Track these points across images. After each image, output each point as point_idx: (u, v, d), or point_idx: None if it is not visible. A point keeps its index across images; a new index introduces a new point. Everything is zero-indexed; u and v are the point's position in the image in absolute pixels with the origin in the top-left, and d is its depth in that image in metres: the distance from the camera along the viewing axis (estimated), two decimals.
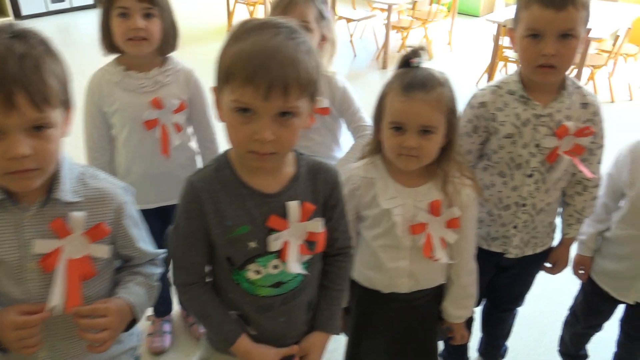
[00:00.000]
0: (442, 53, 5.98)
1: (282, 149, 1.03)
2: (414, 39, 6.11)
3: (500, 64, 4.88)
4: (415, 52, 1.29)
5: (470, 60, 5.76)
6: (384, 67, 5.48)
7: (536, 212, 1.58)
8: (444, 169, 1.33)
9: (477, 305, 1.92)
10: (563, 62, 1.37)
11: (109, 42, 1.67)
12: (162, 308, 2.24)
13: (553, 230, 1.71)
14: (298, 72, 0.96)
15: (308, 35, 1.66)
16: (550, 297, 2.38)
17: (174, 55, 1.79)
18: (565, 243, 1.71)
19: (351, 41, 5.98)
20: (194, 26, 7.08)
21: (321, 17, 1.73)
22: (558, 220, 1.70)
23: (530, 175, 1.52)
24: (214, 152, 1.90)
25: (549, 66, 1.37)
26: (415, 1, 5.22)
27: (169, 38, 1.70)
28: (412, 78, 1.25)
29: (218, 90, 1.04)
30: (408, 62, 1.29)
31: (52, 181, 1.04)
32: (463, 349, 2.06)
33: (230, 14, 6.74)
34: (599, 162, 1.59)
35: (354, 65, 5.71)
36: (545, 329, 2.34)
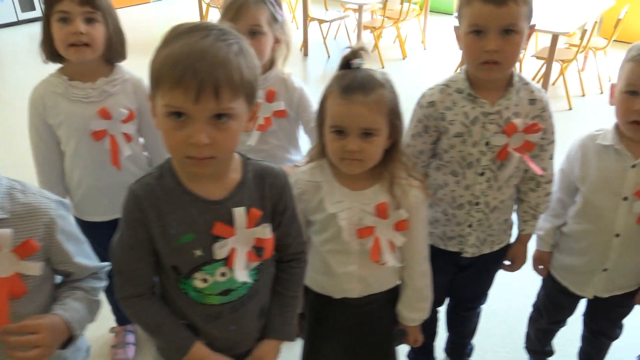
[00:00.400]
0: (416, 52, 5.99)
1: (220, 152, 1.01)
2: (387, 39, 6.13)
3: None
4: (356, 53, 1.26)
5: (444, 58, 5.77)
6: None
7: (490, 210, 1.57)
8: (390, 171, 1.32)
9: (441, 304, 1.92)
10: (506, 58, 1.37)
11: (50, 50, 1.61)
12: (124, 315, 2.19)
13: (510, 227, 1.70)
14: (229, 73, 0.94)
15: (261, 37, 1.69)
16: (519, 293, 2.38)
17: (125, 64, 1.75)
18: (522, 240, 1.71)
19: (324, 42, 5.96)
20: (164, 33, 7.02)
21: (274, 19, 1.71)
22: (515, 217, 1.70)
23: (481, 174, 1.52)
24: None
25: (493, 62, 1.37)
26: (386, 0, 5.21)
27: (114, 44, 1.65)
28: (351, 80, 1.23)
29: (152, 97, 1.01)
30: (348, 63, 1.27)
31: None
32: (429, 349, 2.06)
33: (203, 18, 6.69)
34: (550, 158, 1.59)
35: (328, 67, 5.69)
36: (515, 324, 2.34)
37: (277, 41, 1.74)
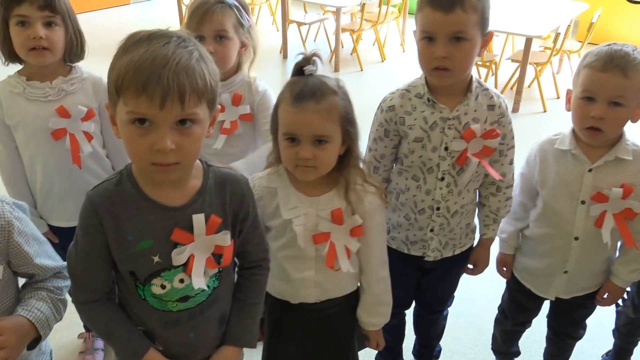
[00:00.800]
0: (395, 54, 6.02)
1: (185, 158, 1.02)
2: (367, 41, 6.15)
3: None
4: (308, 59, 1.27)
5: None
6: (336, 69, 5.48)
7: (451, 215, 1.59)
8: (345, 177, 1.32)
9: (407, 307, 1.93)
10: (456, 65, 1.38)
11: (9, 51, 1.61)
12: None
13: (472, 231, 1.72)
14: (193, 79, 0.96)
15: (227, 42, 1.69)
16: (488, 295, 2.40)
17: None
18: (484, 243, 1.73)
19: (304, 45, 5.97)
20: None
21: (240, 24, 1.72)
22: (477, 221, 1.72)
23: (442, 179, 1.53)
24: (124, 163, 1.86)
25: (443, 69, 1.38)
26: (365, 3, 5.23)
27: (73, 47, 1.66)
28: (303, 87, 1.23)
29: (111, 105, 1.01)
30: (301, 70, 1.27)
31: None
32: (397, 351, 2.07)
33: (182, 20, 6.66)
34: (510, 163, 1.61)
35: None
36: (485, 326, 2.36)
37: (243, 46, 1.75)
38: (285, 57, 5.89)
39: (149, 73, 0.92)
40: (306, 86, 1.24)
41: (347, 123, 1.28)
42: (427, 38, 1.38)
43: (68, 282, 1.26)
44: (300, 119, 1.22)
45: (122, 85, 0.94)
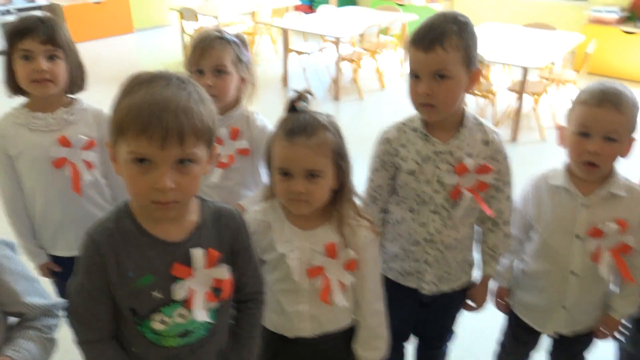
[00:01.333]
0: (395, 82, 6.09)
1: (184, 196, 1.05)
2: (367, 70, 6.22)
3: None
4: (300, 96, 1.30)
5: None
6: (337, 98, 5.54)
7: (445, 248, 1.59)
8: (339, 211, 1.33)
9: (406, 340, 1.91)
10: (441, 102, 1.41)
11: (13, 85, 1.68)
12: None
13: (470, 266, 1.71)
14: (192, 120, 0.99)
15: (226, 77, 1.72)
16: (493, 328, 2.38)
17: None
18: (482, 280, 1.72)
19: (304, 74, 6.04)
20: (147, 63, 7.08)
21: (239, 60, 1.75)
22: (477, 256, 1.71)
23: (435, 212, 1.54)
24: (124, 196, 1.87)
25: (429, 105, 1.42)
26: (363, 34, 5.32)
27: (75, 78, 1.72)
28: (295, 123, 1.26)
29: (112, 143, 1.04)
30: (294, 106, 1.30)
31: None
32: None
33: (185, 49, 6.76)
34: (508, 199, 1.61)
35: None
36: (483, 358, 2.34)
37: (242, 80, 1.78)
38: (285, 85, 5.96)
39: (150, 115, 0.96)
40: (298, 122, 1.27)
41: (339, 158, 1.30)
42: (414, 76, 1.42)
43: (57, 321, 1.26)
44: (293, 154, 1.25)
45: (123, 126, 0.98)
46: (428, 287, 1.64)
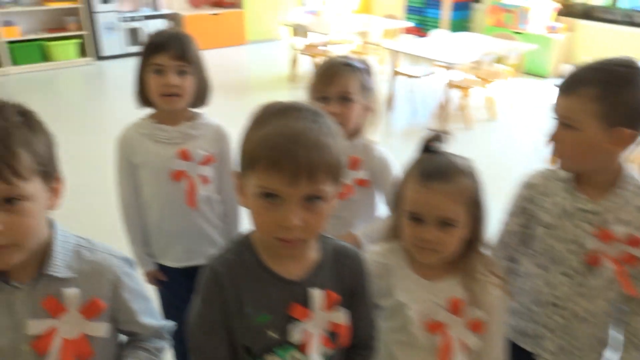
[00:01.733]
0: (505, 114, 5.81)
1: (310, 235, 1.00)
2: (475, 98, 5.99)
3: None
4: (437, 137, 1.21)
5: (534, 124, 5.55)
6: (443, 125, 5.37)
7: (573, 317, 1.40)
8: (468, 264, 1.22)
9: None
10: (564, 152, 1.33)
11: (143, 96, 1.74)
12: None
13: (602, 345, 1.47)
14: (324, 156, 0.94)
15: (351, 105, 1.67)
16: None
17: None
18: None
19: (410, 97, 5.93)
20: (256, 75, 7.31)
21: (364, 88, 1.70)
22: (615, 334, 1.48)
23: (566, 274, 1.37)
24: (235, 211, 1.91)
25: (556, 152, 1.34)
26: (479, 61, 5.12)
27: (201, 94, 1.76)
28: (431, 166, 1.18)
29: (241, 175, 1.01)
30: (429, 146, 1.21)
31: (45, 256, 1.01)
32: None
33: (293, 64, 6.89)
34: None
35: (413, 122, 5.65)
36: None
37: (366, 109, 1.72)
38: (390, 107, 5.88)
39: (283, 149, 0.92)
40: (435, 165, 1.18)
41: (475, 207, 1.19)
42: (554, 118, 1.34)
43: (165, 344, 1.26)
44: (427, 199, 1.16)
45: (254, 159, 0.95)
46: (546, 356, 1.46)
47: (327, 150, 0.94)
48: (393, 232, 1.29)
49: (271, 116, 0.97)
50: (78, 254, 1.05)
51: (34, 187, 0.94)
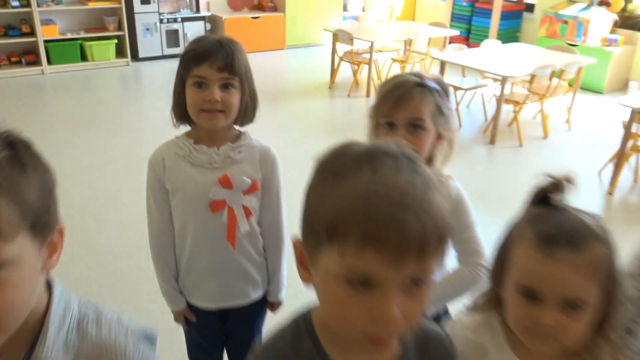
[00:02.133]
0: (559, 131, 5.42)
1: (408, 328, 0.71)
2: (527, 113, 5.62)
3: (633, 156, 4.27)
4: (558, 185, 0.91)
5: (590, 141, 5.16)
6: (492, 142, 5.02)
7: None
8: (592, 354, 0.92)
9: None
10: None
11: (180, 112, 1.49)
12: None
13: None
14: (436, 222, 0.65)
15: (422, 133, 1.36)
16: None
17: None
18: None
19: (457, 110, 5.60)
20: (295, 81, 7.09)
21: (438, 112, 1.40)
22: None
23: None
24: (278, 245, 1.65)
25: None
26: (534, 75, 4.76)
27: (247, 110, 1.50)
28: (554, 227, 0.88)
29: (310, 246, 0.71)
30: (546, 198, 0.92)
31: (35, 336, 0.76)
32: None
33: (334, 72, 6.63)
34: None
35: (459, 137, 5.31)
36: None
37: (439, 137, 1.42)
38: None
39: (384, 216, 0.62)
40: (559, 226, 0.88)
41: (610, 282, 0.89)
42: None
43: None
44: (550, 273, 0.86)
45: (337, 230, 0.65)
46: None
47: (439, 213, 0.66)
48: (491, 302, 1.00)
49: (355, 165, 0.68)
50: (81, 329, 0.79)
51: (18, 247, 0.68)
